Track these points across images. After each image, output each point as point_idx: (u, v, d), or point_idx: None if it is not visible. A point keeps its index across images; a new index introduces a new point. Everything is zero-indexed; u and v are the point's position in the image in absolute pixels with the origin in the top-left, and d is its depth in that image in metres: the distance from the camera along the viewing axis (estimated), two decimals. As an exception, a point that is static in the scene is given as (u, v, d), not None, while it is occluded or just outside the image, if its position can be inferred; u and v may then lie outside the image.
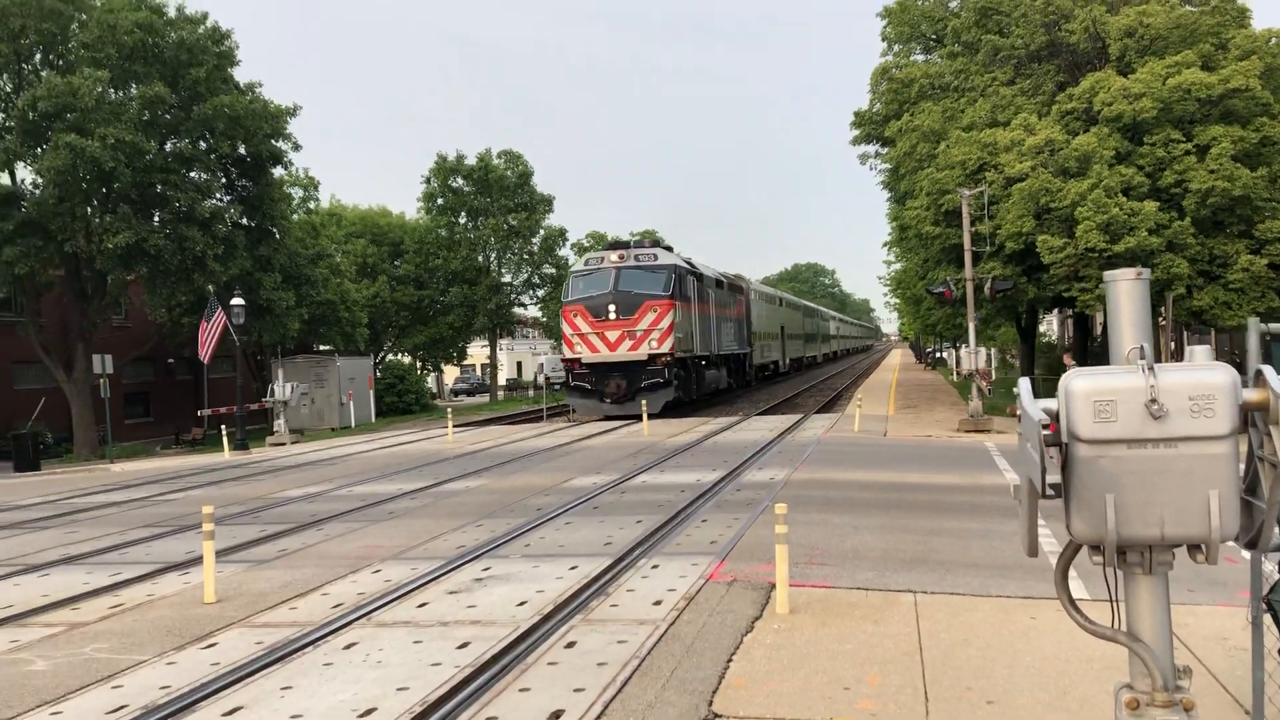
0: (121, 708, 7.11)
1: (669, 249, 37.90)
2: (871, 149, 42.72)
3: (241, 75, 43.25)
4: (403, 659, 7.93)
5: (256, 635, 8.83)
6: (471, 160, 66.97)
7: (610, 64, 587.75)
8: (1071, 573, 4.57)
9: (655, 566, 10.90)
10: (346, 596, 10.11)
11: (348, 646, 8.36)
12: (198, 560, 11.40)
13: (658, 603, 9.32)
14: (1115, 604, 4.22)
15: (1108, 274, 4.19)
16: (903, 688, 6.88)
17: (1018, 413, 4.32)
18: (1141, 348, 3.95)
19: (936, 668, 7.26)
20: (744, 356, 49.05)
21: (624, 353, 33.51)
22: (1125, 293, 4.13)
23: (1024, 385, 4.21)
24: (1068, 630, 7.88)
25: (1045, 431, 3.84)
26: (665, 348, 33.17)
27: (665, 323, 33.14)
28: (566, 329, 34.98)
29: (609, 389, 33.83)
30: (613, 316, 33.66)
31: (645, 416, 28.73)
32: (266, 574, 11.46)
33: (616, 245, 37.32)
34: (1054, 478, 3.88)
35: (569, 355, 34.87)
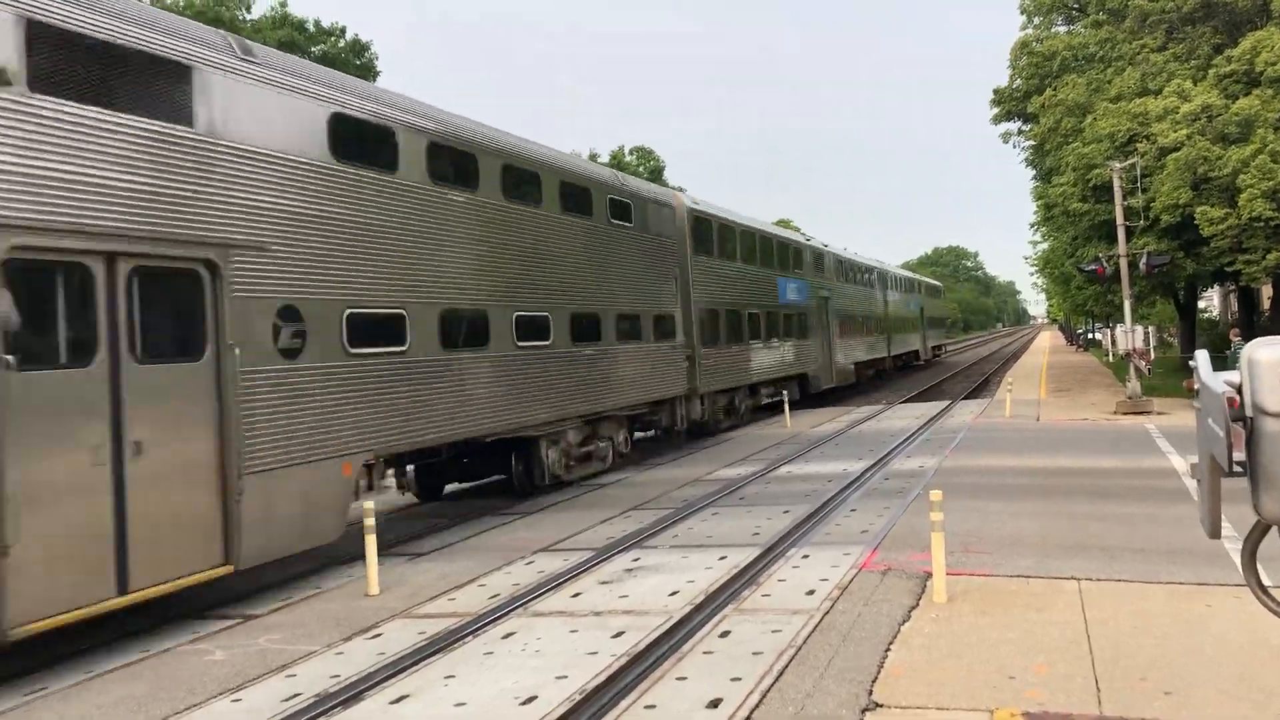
0: (295, 695, 7.43)
1: None
2: (1013, 126, 41.43)
3: (380, 83, 44.75)
4: (560, 648, 8.06)
5: (419, 626, 9.10)
6: (605, 158, 67.66)
7: (727, 46, 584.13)
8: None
9: (806, 556, 10.81)
10: (502, 587, 10.33)
11: (506, 636, 8.55)
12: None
13: (810, 592, 9.24)
14: (1310, 587, 3.99)
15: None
16: (1072, 677, 6.65)
17: (1194, 387, 4.11)
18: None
19: (1107, 657, 7.00)
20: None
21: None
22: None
23: (1202, 357, 4.01)
24: (1249, 617, 7.50)
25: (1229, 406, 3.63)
26: None
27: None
28: None
29: None
30: None
31: (787, 407, 28.45)
32: (425, 566, 11.81)
33: None
34: (1240, 454, 3.67)
35: None
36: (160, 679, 8.10)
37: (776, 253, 31.16)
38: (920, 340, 58.55)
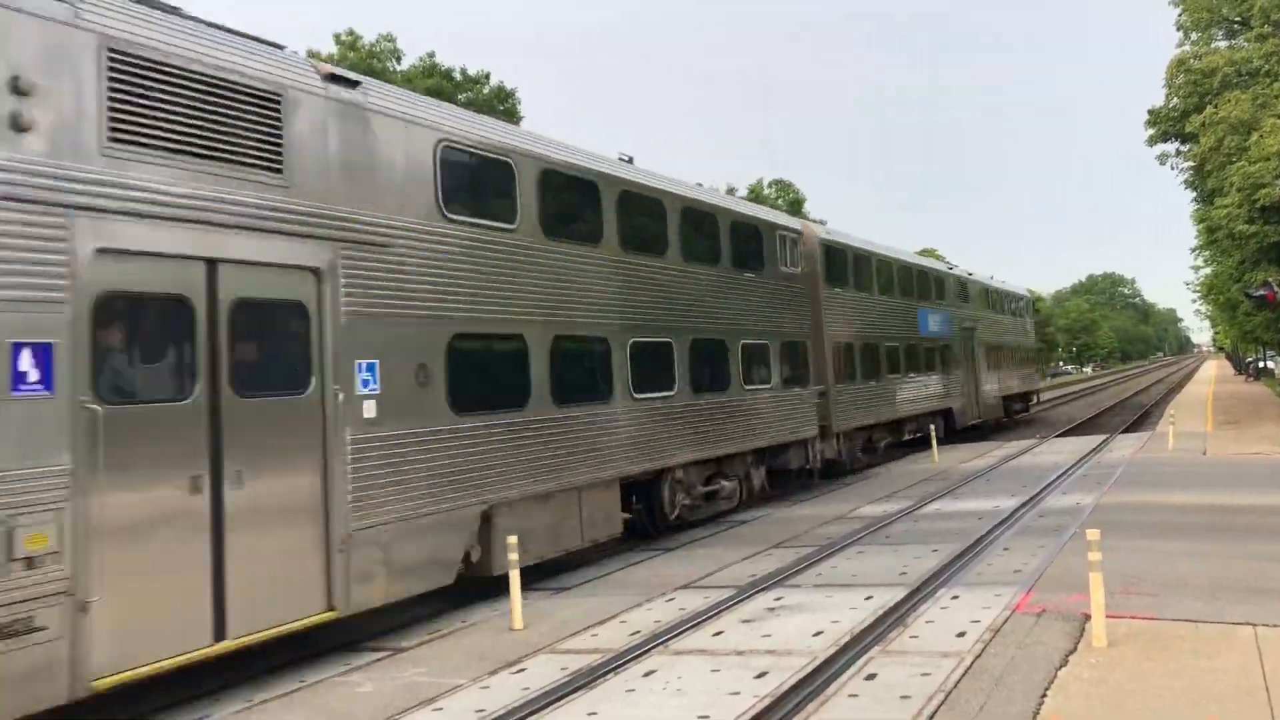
0: (443, 728, 7.55)
1: None
2: (1171, 147, 39.73)
3: (523, 125, 45.95)
4: (702, 687, 7.98)
5: (561, 661, 9.15)
6: (742, 193, 67.63)
7: (869, 79, 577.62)
8: None
9: (955, 597, 10.46)
10: (644, 624, 10.31)
11: (648, 674, 8.51)
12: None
13: (961, 634, 8.93)
14: None
15: None
16: (1248, 731, 6.22)
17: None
18: None
19: (1287, 710, 6.52)
20: None
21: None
22: None
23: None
24: None
25: None
26: None
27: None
28: None
29: None
30: None
31: (934, 443, 27.70)
32: (567, 601, 11.90)
33: None
34: None
35: None
36: (314, 710, 8.35)
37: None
38: (967, 386, 34.04)
